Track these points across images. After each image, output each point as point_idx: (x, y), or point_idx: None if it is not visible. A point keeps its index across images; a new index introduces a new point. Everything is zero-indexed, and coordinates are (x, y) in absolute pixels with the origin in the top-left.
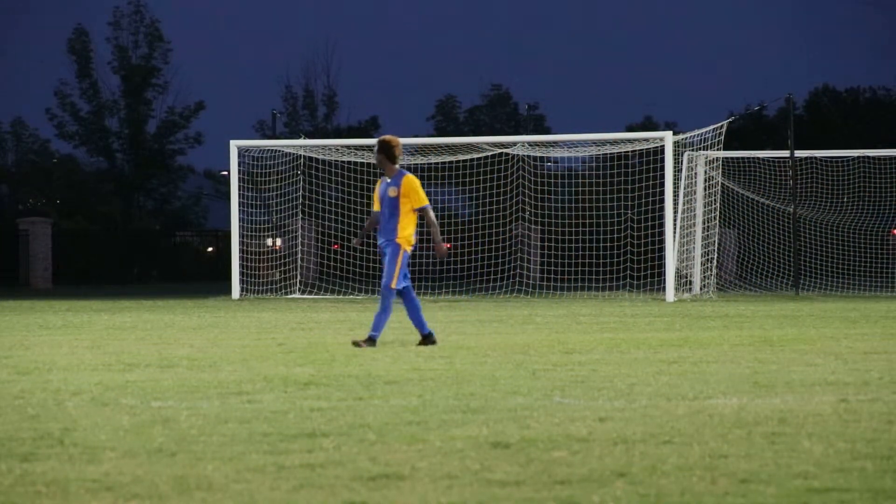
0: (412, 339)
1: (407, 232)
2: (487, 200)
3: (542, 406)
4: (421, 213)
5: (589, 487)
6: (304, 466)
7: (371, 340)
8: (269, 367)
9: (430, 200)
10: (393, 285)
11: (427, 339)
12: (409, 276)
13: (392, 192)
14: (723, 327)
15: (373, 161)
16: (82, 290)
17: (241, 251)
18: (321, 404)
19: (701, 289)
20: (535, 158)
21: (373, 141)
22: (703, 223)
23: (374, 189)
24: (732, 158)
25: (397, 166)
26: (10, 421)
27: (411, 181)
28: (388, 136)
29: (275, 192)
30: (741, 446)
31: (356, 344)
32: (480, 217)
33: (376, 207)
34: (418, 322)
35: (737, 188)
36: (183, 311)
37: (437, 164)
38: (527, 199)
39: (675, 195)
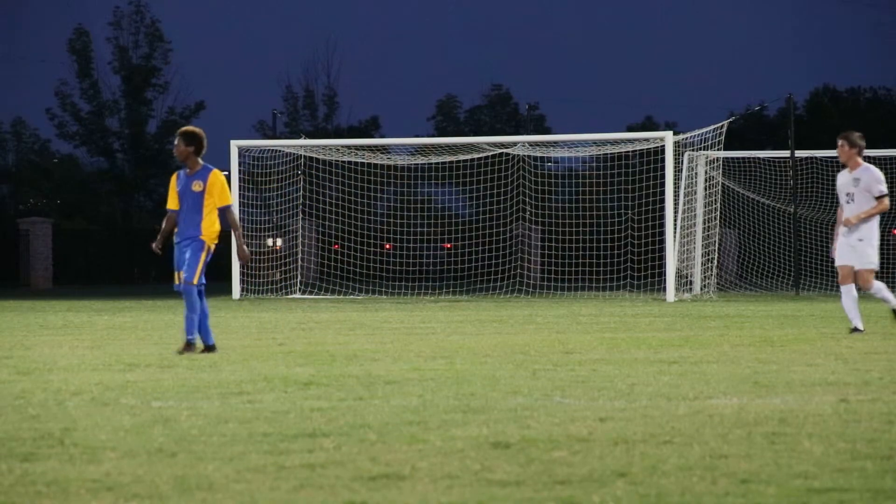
0: (412, 339)
1: (213, 230)
2: (487, 200)
3: (542, 406)
4: (223, 213)
5: (589, 487)
6: (304, 466)
7: (189, 345)
8: (269, 367)
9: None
10: (195, 281)
11: (188, 346)
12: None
13: (197, 187)
14: (723, 327)
15: (373, 161)
16: (82, 290)
17: None
18: (321, 404)
19: (701, 289)
20: (535, 158)
21: (374, 141)
22: (704, 223)
23: (169, 186)
24: (733, 158)
25: (201, 161)
26: (10, 421)
27: (219, 177)
28: (197, 129)
29: (275, 192)
30: (741, 446)
31: (180, 352)
32: (480, 217)
33: (173, 205)
34: (191, 326)
35: (737, 188)
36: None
37: (437, 164)
38: (527, 199)
39: (676, 195)
